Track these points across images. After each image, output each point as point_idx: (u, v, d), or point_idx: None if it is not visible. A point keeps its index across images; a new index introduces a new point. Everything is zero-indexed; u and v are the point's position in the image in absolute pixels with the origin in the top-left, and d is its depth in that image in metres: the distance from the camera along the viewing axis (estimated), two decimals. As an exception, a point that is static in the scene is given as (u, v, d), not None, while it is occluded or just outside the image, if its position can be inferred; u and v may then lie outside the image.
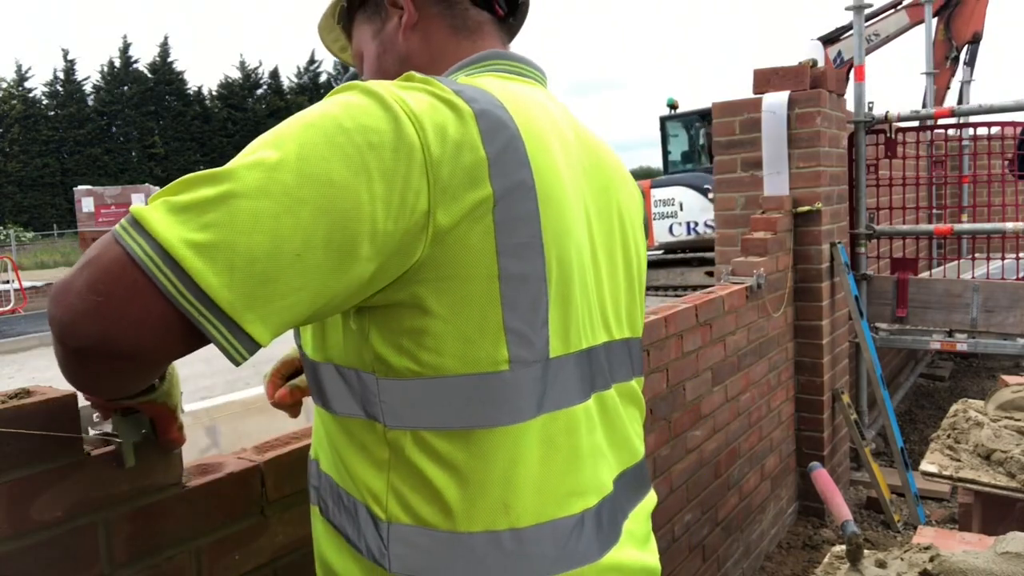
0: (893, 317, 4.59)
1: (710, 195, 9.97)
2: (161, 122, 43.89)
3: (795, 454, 3.99)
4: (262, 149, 0.73)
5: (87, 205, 11.65)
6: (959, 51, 8.63)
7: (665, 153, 13.37)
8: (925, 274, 5.50)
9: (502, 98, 0.85)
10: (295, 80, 47.73)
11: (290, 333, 0.91)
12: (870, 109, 4.56)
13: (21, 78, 42.15)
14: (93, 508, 1.03)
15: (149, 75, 44.14)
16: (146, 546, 1.10)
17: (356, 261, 0.74)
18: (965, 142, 6.47)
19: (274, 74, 47.11)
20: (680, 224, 11.66)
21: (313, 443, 1.03)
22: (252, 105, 45.82)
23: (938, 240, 6.18)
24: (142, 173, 39.93)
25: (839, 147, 4.21)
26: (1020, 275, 4.85)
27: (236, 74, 46.49)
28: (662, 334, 2.60)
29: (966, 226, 5.23)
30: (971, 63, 8.53)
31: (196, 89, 45.96)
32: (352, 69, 1.14)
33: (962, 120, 6.01)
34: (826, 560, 1.81)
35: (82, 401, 0.98)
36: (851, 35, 7.82)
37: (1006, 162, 5.80)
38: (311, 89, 47.02)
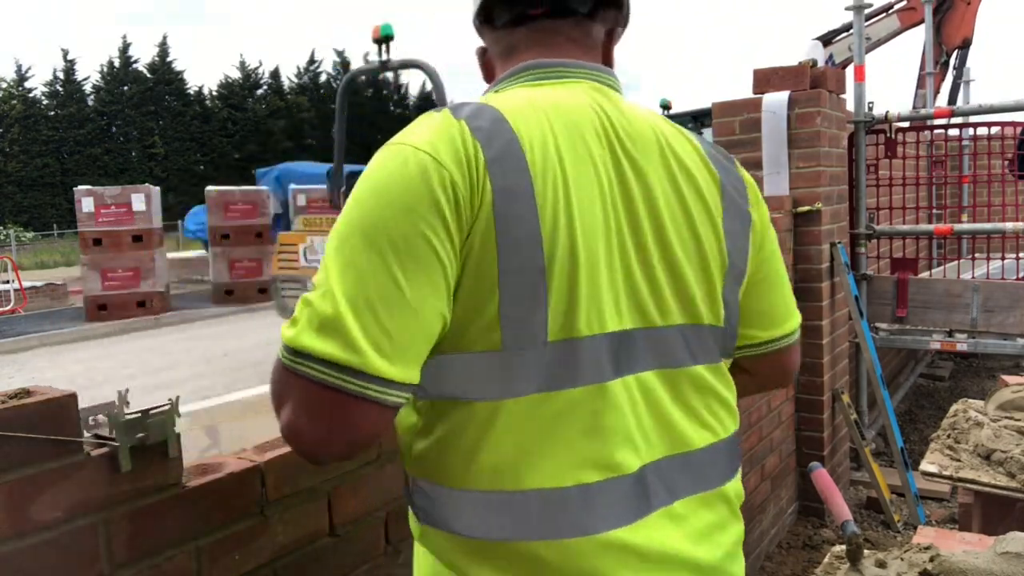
0: (893, 317, 4.58)
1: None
2: (161, 122, 43.80)
3: (795, 454, 3.99)
4: None
5: (87, 205, 11.61)
6: (949, 56, 8.68)
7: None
8: (925, 274, 5.50)
9: (503, 107, 0.96)
10: (295, 80, 47.66)
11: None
12: (870, 109, 4.56)
13: (21, 78, 42.10)
14: (93, 508, 1.04)
15: (149, 75, 44.11)
16: (146, 546, 1.10)
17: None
18: (965, 142, 6.47)
19: (274, 74, 47.04)
20: None
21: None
22: (252, 105, 45.71)
23: (938, 240, 6.18)
24: (142, 173, 39.80)
25: (839, 147, 4.21)
26: (1020, 275, 4.85)
27: (236, 74, 46.45)
28: (662, 334, 2.59)
29: (966, 226, 5.23)
30: (960, 68, 8.59)
31: (196, 89, 45.93)
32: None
33: (962, 120, 6.01)
34: (826, 560, 1.80)
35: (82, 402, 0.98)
36: (843, 38, 7.85)
37: (1006, 162, 5.80)
38: (311, 89, 46.99)
